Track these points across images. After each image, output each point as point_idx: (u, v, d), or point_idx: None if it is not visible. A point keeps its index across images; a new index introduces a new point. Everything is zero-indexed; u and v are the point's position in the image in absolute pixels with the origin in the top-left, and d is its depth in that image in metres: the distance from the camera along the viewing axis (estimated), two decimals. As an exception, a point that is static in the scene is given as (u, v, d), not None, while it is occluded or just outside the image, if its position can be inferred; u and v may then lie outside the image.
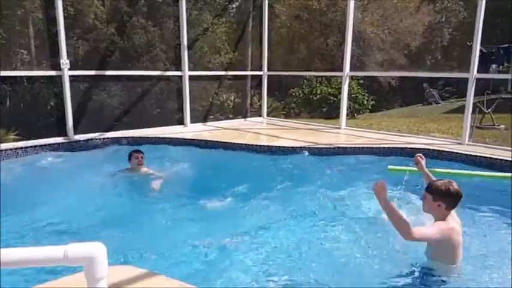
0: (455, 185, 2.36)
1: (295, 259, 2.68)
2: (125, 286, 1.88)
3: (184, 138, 6.17)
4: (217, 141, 5.91)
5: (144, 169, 4.45)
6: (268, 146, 5.63)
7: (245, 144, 5.72)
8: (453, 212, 2.43)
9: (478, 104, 8.11)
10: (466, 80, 5.67)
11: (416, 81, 16.80)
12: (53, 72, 5.89)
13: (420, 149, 5.42)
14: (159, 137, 6.22)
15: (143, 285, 1.92)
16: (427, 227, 2.37)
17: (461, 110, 5.93)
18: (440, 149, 5.38)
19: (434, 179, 2.72)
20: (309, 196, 3.83)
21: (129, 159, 4.41)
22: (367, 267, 2.56)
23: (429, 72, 16.50)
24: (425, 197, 2.41)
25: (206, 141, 5.98)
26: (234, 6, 11.25)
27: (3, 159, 5.03)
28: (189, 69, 7.16)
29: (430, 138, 6.56)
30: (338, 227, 3.18)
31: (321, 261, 2.66)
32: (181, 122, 7.42)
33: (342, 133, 6.94)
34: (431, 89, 16.29)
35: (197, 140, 6.07)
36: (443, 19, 17.91)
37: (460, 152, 5.18)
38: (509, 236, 2.92)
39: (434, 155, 5.25)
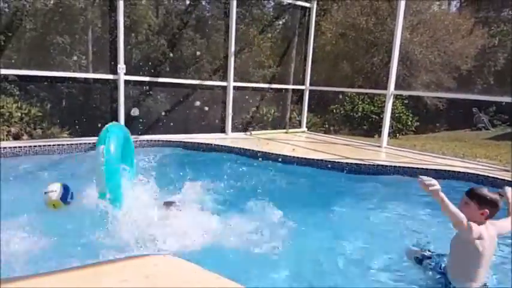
0: (500, 198, 2.34)
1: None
2: (161, 275, 1.88)
3: (224, 146, 6.39)
4: (257, 151, 6.05)
5: None
6: (305, 158, 5.68)
7: (283, 155, 5.81)
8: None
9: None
10: (518, 105, 5.44)
11: (465, 106, 16.10)
12: (110, 76, 6.33)
13: (465, 173, 5.24)
14: (202, 143, 6.49)
15: (179, 274, 1.96)
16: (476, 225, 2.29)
17: (511, 137, 5.66)
18: (486, 174, 5.16)
19: None
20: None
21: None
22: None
23: (476, 95, 15.76)
24: (468, 204, 2.35)
25: (245, 149, 6.15)
26: (280, 22, 11.50)
27: (58, 153, 5.47)
28: (233, 81, 7.47)
29: (476, 163, 6.30)
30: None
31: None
32: (222, 130, 7.70)
33: (383, 151, 6.84)
34: (481, 114, 15.57)
35: (237, 148, 6.26)
36: (496, 42, 17.12)
37: (507, 179, 4.94)
38: None
39: (480, 180, 5.06)
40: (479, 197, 2.34)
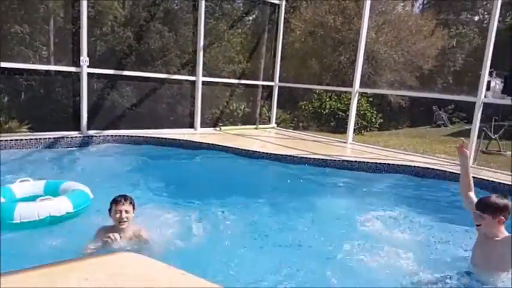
0: (506, 199, 2.44)
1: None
2: (126, 273, 1.81)
3: (192, 141, 6.33)
4: (225, 146, 6.05)
5: (129, 232, 2.81)
6: (274, 154, 5.74)
7: (252, 151, 5.84)
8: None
9: (485, 129, 8.16)
10: (475, 104, 5.74)
11: (426, 103, 16.84)
12: (72, 69, 6.09)
13: (425, 168, 5.49)
14: (169, 138, 6.38)
15: (144, 272, 1.94)
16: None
17: (468, 133, 5.99)
18: (444, 169, 5.43)
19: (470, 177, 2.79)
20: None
21: (110, 209, 2.84)
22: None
23: (437, 93, 16.52)
24: (483, 218, 2.38)
25: (214, 144, 6.13)
26: (250, 18, 11.48)
27: (17, 149, 5.21)
28: (202, 76, 7.39)
29: (435, 158, 6.61)
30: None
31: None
32: (191, 125, 7.61)
33: (348, 147, 7.02)
34: (440, 112, 16.31)
35: (205, 143, 6.22)
36: (454, 43, 18.01)
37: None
38: None
39: (437, 174, 5.31)
40: (490, 208, 2.38)
